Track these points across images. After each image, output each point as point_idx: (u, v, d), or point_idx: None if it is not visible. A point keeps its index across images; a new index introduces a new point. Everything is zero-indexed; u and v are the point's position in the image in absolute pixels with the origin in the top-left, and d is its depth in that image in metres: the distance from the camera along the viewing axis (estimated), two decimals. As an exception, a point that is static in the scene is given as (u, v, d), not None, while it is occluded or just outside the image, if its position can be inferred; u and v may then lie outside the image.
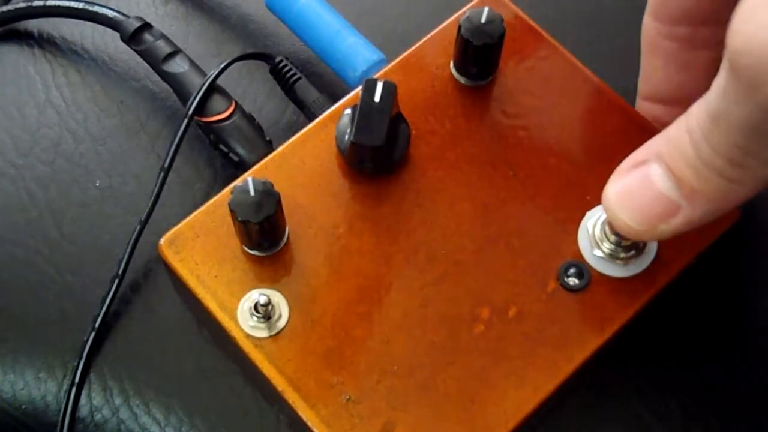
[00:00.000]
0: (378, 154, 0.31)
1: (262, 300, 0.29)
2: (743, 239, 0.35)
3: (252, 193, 0.29)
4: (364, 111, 0.30)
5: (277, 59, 0.37)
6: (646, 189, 0.27)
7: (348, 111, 0.32)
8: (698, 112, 0.25)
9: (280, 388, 0.29)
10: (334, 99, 0.36)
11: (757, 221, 0.35)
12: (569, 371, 0.30)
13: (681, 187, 0.26)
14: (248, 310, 0.30)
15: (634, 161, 0.28)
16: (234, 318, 0.30)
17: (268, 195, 0.29)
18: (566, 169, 0.32)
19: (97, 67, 0.39)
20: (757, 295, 0.35)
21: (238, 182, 0.32)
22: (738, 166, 0.25)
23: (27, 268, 0.35)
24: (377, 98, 0.30)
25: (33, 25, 0.40)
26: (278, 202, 0.29)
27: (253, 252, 0.31)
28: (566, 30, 0.37)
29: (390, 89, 0.30)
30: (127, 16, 0.37)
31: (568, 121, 0.33)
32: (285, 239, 0.31)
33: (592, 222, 0.31)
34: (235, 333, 0.30)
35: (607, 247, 0.31)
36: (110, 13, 0.38)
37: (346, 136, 0.31)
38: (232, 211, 0.29)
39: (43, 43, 0.39)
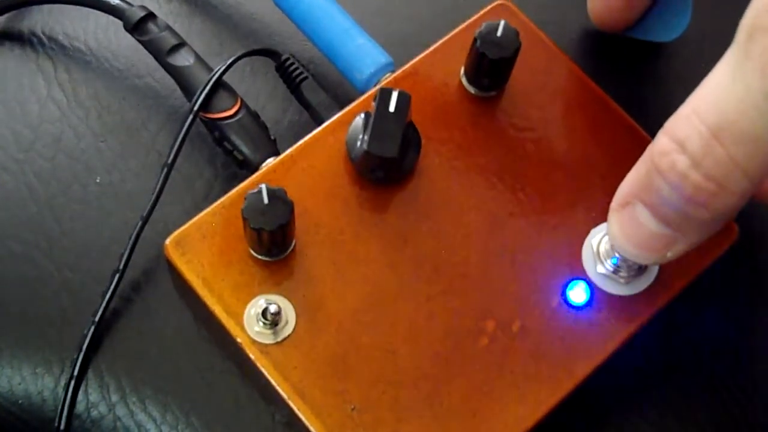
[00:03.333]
0: (390, 165, 0.31)
1: (273, 309, 0.29)
2: (741, 250, 0.35)
3: (266, 200, 0.28)
4: (379, 120, 0.30)
5: (284, 57, 0.37)
6: (638, 229, 0.27)
7: (360, 117, 0.32)
8: (680, 140, 0.25)
9: (285, 396, 0.29)
10: (339, 100, 0.36)
11: (754, 232, 0.36)
12: (570, 387, 0.30)
13: (669, 225, 0.26)
14: (255, 316, 0.30)
15: (619, 202, 0.28)
16: (240, 323, 0.30)
17: (282, 203, 0.29)
18: (573, 185, 0.33)
19: (99, 63, 0.38)
20: (753, 306, 0.36)
21: (246, 184, 0.31)
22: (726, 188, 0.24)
23: (26, 264, 0.34)
24: (392, 108, 0.30)
25: (36, 20, 0.39)
26: (292, 210, 0.29)
27: (260, 257, 0.31)
28: (577, 44, 0.37)
29: (405, 100, 0.30)
30: (131, 5, 0.37)
31: (575, 136, 0.33)
32: (293, 245, 0.31)
33: (597, 239, 0.31)
34: (241, 338, 0.30)
35: (610, 264, 0.31)
36: (113, 1, 0.37)
37: (358, 143, 0.31)
38: (245, 218, 0.29)
39: (46, 38, 0.39)
